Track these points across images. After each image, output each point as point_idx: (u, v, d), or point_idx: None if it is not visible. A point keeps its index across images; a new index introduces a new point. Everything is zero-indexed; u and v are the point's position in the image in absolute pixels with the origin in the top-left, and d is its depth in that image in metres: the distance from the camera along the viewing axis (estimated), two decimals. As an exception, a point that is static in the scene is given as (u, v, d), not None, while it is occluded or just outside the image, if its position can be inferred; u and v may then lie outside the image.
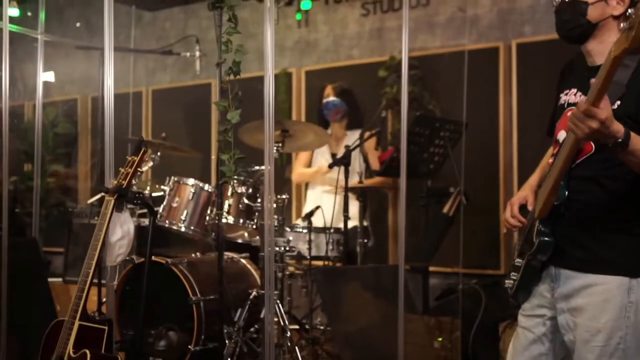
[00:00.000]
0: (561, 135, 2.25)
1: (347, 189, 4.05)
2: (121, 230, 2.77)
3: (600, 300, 2.12)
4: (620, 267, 2.13)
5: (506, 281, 2.39)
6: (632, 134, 1.95)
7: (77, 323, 2.78)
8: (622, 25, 1.80)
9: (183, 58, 5.45)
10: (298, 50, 6.09)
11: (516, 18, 5.06)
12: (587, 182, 2.13)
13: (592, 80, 1.91)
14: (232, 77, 3.16)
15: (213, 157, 5.84)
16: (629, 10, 1.77)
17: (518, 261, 2.31)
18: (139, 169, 2.75)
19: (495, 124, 4.98)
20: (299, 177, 5.19)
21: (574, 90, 2.27)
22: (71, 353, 2.77)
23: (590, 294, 2.14)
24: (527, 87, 4.86)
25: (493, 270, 4.88)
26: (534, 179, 2.48)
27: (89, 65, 6.21)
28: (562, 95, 2.32)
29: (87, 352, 2.75)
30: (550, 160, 2.29)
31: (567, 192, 2.15)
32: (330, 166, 4.16)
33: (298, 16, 6.05)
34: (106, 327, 2.80)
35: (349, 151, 4.05)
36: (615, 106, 2.06)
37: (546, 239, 2.17)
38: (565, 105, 2.28)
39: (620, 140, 1.93)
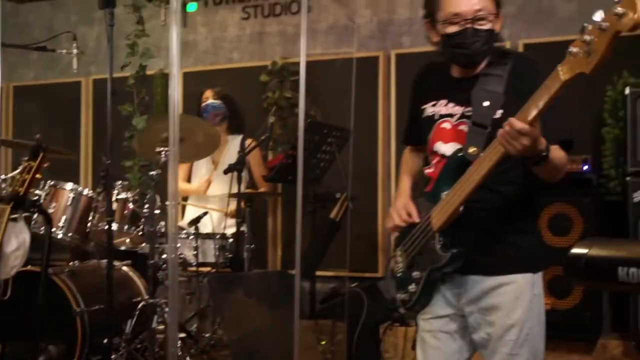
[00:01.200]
0: (439, 146, 2.32)
1: (239, 195, 4.01)
2: (16, 241, 2.58)
3: (513, 298, 2.24)
4: (525, 265, 2.27)
5: (400, 295, 2.38)
6: (550, 146, 2.07)
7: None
8: (572, 49, 1.82)
9: (48, 53, 5.16)
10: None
11: (395, 29, 5.23)
12: (481, 190, 2.18)
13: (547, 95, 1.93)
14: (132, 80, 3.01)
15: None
16: (586, 37, 1.78)
17: (416, 274, 2.31)
18: (37, 175, 2.57)
19: (375, 131, 5.11)
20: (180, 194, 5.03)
21: (443, 101, 2.33)
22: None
23: (501, 293, 2.24)
24: (405, 96, 5.01)
25: (371, 273, 5.00)
26: (406, 185, 2.55)
27: None
28: (426, 106, 2.38)
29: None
30: (430, 171, 2.36)
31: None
32: (225, 172, 4.09)
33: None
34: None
35: (242, 156, 4.01)
36: (499, 115, 2.18)
37: (455, 250, 2.21)
38: (437, 117, 2.34)
39: (544, 154, 2.04)
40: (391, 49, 5.16)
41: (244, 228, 4.30)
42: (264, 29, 5.66)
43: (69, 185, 4.07)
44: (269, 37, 5.64)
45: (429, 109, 2.37)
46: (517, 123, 1.95)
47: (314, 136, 4.13)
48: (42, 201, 3.97)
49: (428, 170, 2.39)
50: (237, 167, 3.94)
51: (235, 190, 4.07)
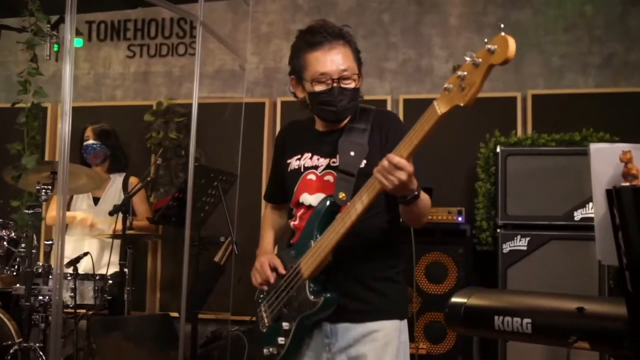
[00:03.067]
0: (304, 198, 2.37)
1: (125, 235, 3.93)
2: None
3: (382, 344, 2.29)
4: (392, 312, 2.34)
5: (268, 349, 2.37)
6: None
7: None
8: (448, 85, 1.91)
9: None
10: (54, 85, 5.77)
11: (281, 77, 5.35)
12: (350, 237, 2.21)
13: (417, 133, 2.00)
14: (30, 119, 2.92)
15: None
16: (460, 73, 1.88)
17: (285, 325, 2.31)
18: None
19: (260, 176, 5.15)
20: (54, 221, 4.86)
21: (308, 154, 2.40)
22: None
23: (371, 340, 2.29)
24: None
25: (253, 317, 4.98)
26: (268, 241, 2.58)
27: None
28: (291, 160, 2.43)
29: None
30: (296, 223, 2.40)
31: None
32: (111, 213, 3.99)
33: (55, 47, 5.75)
34: None
35: (127, 198, 3.94)
36: (363, 165, 2.27)
37: (328, 295, 2.23)
38: (302, 169, 2.39)
39: (416, 193, 2.11)
40: (277, 96, 5.28)
41: (117, 269, 4.21)
42: (149, 68, 5.62)
43: (-62, 222, 3.85)
44: (154, 76, 5.61)
45: (294, 163, 2.42)
46: (394, 157, 2.00)
47: (200, 179, 4.13)
48: None
49: (293, 223, 2.42)
50: (122, 208, 3.86)
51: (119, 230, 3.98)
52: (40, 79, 5.62)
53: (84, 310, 4.10)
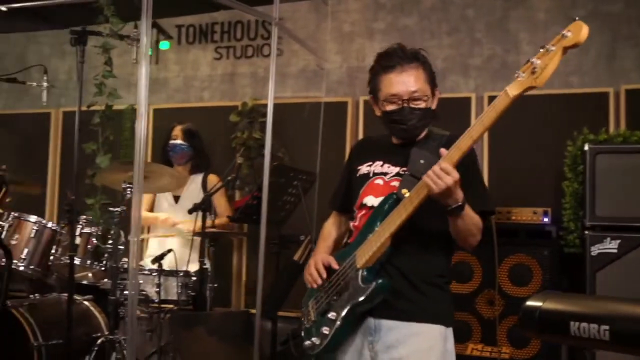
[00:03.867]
0: (368, 200, 2.44)
1: (204, 234, 4.02)
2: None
3: (426, 347, 2.31)
4: (439, 316, 2.37)
5: (311, 340, 2.38)
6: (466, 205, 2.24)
7: None
8: (520, 72, 2.02)
9: (18, 84, 5.17)
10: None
11: (364, 76, 5.31)
12: (406, 235, 2.28)
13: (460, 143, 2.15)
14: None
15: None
16: (534, 60, 1.98)
17: (332, 314, 2.34)
18: (-1, 209, 2.56)
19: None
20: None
21: (379, 162, 2.49)
22: None
23: (415, 342, 2.31)
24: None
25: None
26: (322, 249, 2.62)
27: None
28: (361, 167, 2.52)
29: None
30: (355, 223, 2.46)
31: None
32: (190, 212, 4.10)
33: (149, 52, 5.95)
34: None
35: (207, 196, 4.03)
36: None
37: (380, 280, 2.27)
38: (371, 175, 2.48)
39: (460, 204, 2.20)
40: (360, 95, 5.26)
41: (207, 266, 4.31)
42: (235, 69, 5.73)
43: (33, 218, 4.05)
44: (240, 77, 5.72)
45: (364, 169, 2.52)
46: (443, 162, 2.15)
47: (279, 179, 4.18)
48: (4, 233, 3.95)
49: (353, 224, 2.49)
50: (202, 207, 3.95)
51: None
52: (131, 81, 5.87)
53: (170, 306, 4.23)
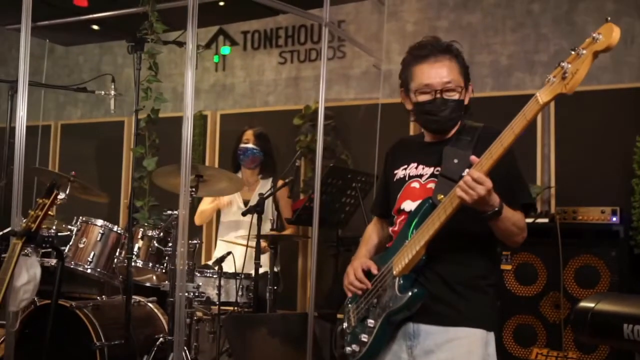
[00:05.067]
0: (406, 204, 2.39)
1: (259, 237, 4.06)
2: (27, 275, 2.67)
3: (465, 351, 2.25)
4: (479, 320, 2.29)
5: (352, 347, 2.37)
6: (504, 204, 2.17)
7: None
8: (550, 77, 1.95)
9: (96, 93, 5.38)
10: (214, 93, 6.11)
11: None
12: (444, 239, 2.22)
13: (492, 147, 2.08)
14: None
15: (125, 200, 5.74)
16: (564, 65, 1.92)
17: (370, 322, 2.31)
18: (49, 213, 2.67)
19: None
20: (199, 216, 5.09)
21: (414, 165, 2.44)
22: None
23: (454, 346, 2.25)
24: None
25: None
26: (362, 253, 2.59)
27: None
28: (397, 171, 2.48)
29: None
30: (394, 228, 2.41)
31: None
32: (244, 214, 4.15)
33: (215, 59, 6.09)
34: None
35: (262, 199, 4.06)
36: (465, 173, 2.18)
37: (416, 290, 2.23)
38: (407, 178, 2.43)
39: (497, 209, 2.14)
40: (423, 95, 5.18)
41: (266, 269, 4.35)
42: (299, 73, 5.77)
43: (100, 222, 4.19)
44: (304, 81, 5.75)
45: (400, 173, 2.48)
46: (475, 172, 2.08)
47: (336, 181, 4.17)
48: (73, 237, 4.11)
49: (392, 229, 2.46)
50: (256, 209, 3.99)
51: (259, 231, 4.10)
52: (201, 87, 6.00)
53: (231, 308, 4.29)
